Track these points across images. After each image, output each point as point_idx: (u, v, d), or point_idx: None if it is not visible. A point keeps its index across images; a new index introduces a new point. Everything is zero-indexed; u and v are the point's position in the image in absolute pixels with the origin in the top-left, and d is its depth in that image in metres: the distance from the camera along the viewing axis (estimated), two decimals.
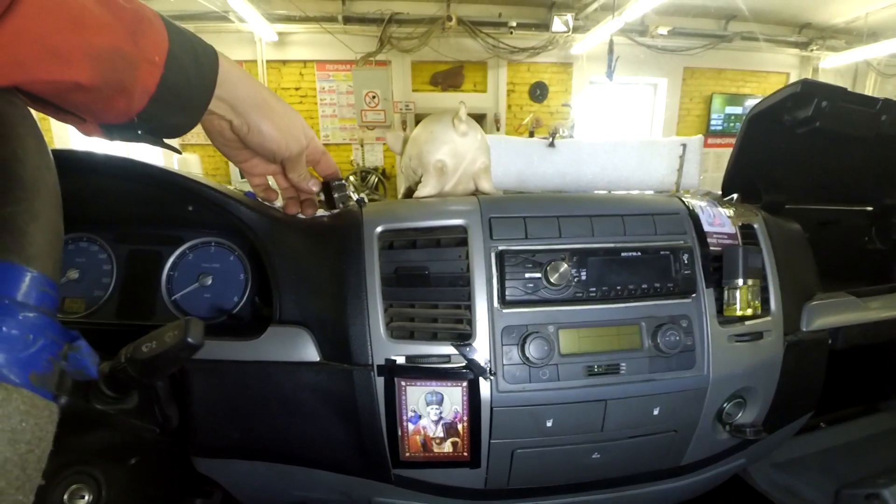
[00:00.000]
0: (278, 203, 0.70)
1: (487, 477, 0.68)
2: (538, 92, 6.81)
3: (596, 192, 1.33)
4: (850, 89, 0.79)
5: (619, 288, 0.66)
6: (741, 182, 0.92)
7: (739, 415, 0.74)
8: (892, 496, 0.87)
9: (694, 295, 0.69)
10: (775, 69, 7.22)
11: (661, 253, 0.68)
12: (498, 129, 6.67)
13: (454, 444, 0.64)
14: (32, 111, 0.36)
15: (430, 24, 5.93)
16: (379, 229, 0.66)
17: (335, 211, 0.71)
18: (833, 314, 0.81)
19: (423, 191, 0.79)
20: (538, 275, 0.64)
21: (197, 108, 0.48)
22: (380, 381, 0.62)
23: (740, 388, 0.72)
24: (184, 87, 0.45)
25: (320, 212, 0.72)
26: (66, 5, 0.35)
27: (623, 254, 0.67)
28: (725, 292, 0.69)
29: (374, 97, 5.95)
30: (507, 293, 0.64)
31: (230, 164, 5.95)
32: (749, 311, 0.68)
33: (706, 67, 7.03)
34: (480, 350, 0.62)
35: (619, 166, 1.35)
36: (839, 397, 1.17)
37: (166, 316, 0.79)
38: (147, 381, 0.47)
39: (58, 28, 0.34)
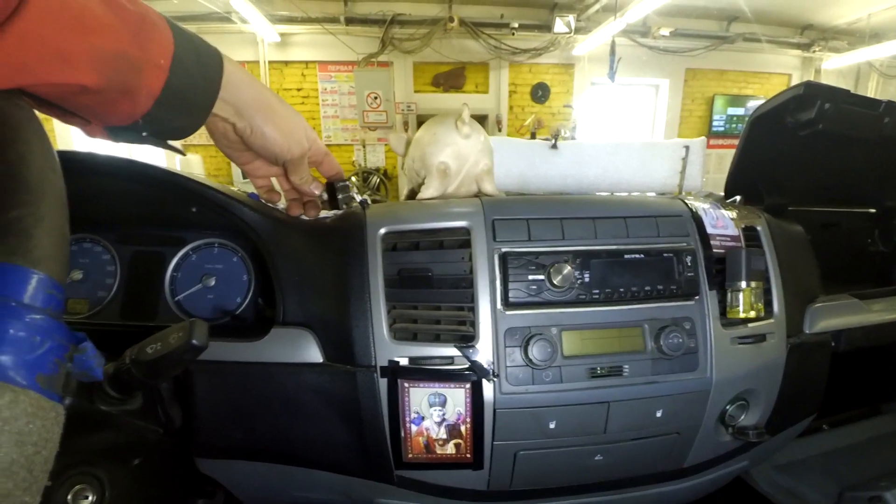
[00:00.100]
0: (281, 205, 0.71)
1: (490, 478, 0.68)
2: (540, 93, 6.81)
3: (598, 193, 1.33)
4: (852, 91, 0.79)
5: (622, 290, 0.66)
6: (744, 184, 0.92)
7: (742, 417, 0.74)
8: (895, 499, 0.87)
9: (697, 297, 0.69)
10: (777, 70, 7.21)
11: (665, 255, 0.68)
12: (499, 130, 6.68)
13: (457, 446, 0.64)
14: (37, 113, 0.37)
15: (432, 25, 5.94)
16: (382, 231, 0.66)
17: (338, 212, 0.71)
18: (836, 316, 0.81)
19: (426, 193, 0.80)
20: (541, 277, 0.64)
21: (201, 111, 0.48)
22: (383, 383, 0.62)
23: (743, 391, 0.72)
24: (188, 90, 0.45)
25: (323, 213, 0.72)
26: (71, 8, 0.35)
27: (626, 256, 0.67)
28: (728, 294, 0.69)
29: (375, 98, 5.95)
30: (510, 295, 0.64)
31: (232, 165, 5.96)
32: (752, 314, 0.68)
33: (708, 68, 7.02)
34: (483, 352, 0.62)
35: (621, 168, 1.34)
36: (842, 400, 1.16)
37: (169, 317, 0.79)
38: (151, 382, 0.47)
39: (63, 31, 0.34)
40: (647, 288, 0.67)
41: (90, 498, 0.53)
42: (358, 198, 0.73)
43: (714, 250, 0.71)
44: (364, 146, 6.48)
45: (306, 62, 6.37)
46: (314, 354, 0.63)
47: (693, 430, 0.70)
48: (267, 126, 0.54)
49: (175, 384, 0.64)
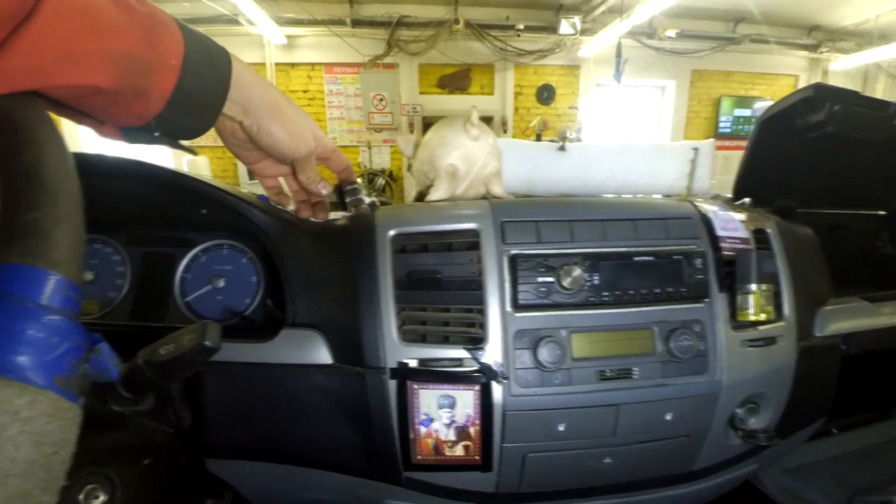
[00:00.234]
0: (290, 207, 0.71)
1: (499, 481, 0.68)
2: (545, 94, 6.80)
3: (606, 195, 1.33)
4: (860, 92, 0.79)
5: (631, 292, 0.66)
6: (752, 186, 0.91)
7: (752, 420, 0.73)
8: None
9: (707, 300, 0.68)
10: (784, 71, 7.17)
11: (674, 257, 0.68)
12: (505, 132, 6.67)
13: (466, 448, 0.64)
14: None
15: (438, 26, 5.94)
16: (392, 233, 0.66)
17: (347, 214, 0.72)
18: (846, 319, 0.80)
19: (435, 195, 0.80)
20: (551, 279, 0.64)
21: (212, 111, 0.48)
22: (392, 384, 0.62)
23: (753, 394, 0.71)
24: (199, 90, 0.45)
25: (332, 215, 0.72)
26: (85, 10, 0.35)
27: (636, 258, 0.67)
28: (738, 297, 0.68)
29: (381, 100, 5.96)
30: (519, 297, 0.64)
31: (239, 166, 6.00)
32: (762, 316, 0.67)
33: (715, 70, 6.99)
34: (493, 354, 0.62)
35: (629, 170, 1.34)
36: (852, 403, 1.15)
37: (179, 318, 0.79)
38: (164, 383, 0.48)
39: (77, 33, 0.34)
40: (657, 290, 0.67)
41: (101, 498, 0.53)
42: (367, 200, 0.74)
43: (724, 253, 0.70)
44: (370, 148, 6.48)
45: (312, 64, 6.39)
46: (323, 356, 0.63)
47: (702, 433, 0.70)
48: (274, 125, 0.54)
49: (185, 385, 0.64)
